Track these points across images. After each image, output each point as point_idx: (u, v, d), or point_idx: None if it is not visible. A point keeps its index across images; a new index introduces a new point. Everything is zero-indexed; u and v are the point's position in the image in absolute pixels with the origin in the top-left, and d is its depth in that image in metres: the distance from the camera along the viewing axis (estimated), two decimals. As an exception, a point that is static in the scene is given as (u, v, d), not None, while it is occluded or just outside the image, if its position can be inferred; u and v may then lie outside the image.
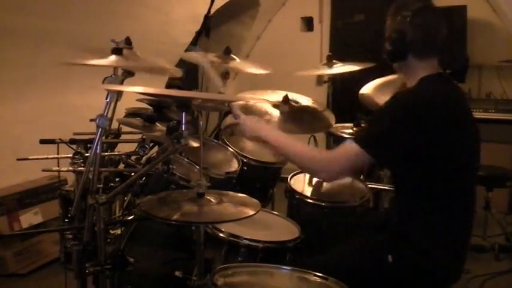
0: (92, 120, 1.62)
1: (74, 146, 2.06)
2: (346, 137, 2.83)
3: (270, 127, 2.06)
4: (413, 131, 1.72)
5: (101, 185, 1.83)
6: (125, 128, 2.39)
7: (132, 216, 2.12)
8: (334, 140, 3.05)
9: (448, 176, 1.74)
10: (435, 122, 1.74)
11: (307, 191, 2.47)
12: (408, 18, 1.83)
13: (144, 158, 2.16)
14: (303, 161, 1.92)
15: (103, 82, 1.83)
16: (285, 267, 1.75)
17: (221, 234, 1.96)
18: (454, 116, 1.82)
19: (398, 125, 1.74)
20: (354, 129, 2.86)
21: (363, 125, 2.88)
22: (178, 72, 2.16)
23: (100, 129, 1.61)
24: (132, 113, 2.38)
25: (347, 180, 2.63)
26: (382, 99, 2.77)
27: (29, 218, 3.37)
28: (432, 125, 1.73)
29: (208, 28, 3.05)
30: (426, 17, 1.86)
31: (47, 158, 2.08)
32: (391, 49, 1.87)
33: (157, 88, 2.34)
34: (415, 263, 1.79)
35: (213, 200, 1.63)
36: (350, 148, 1.78)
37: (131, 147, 2.18)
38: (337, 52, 3.04)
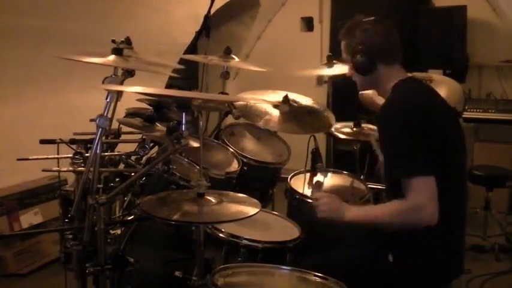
0: (92, 120, 1.62)
1: (74, 146, 2.06)
2: (345, 137, 2.83)
3: (349, 207, 1.90)
4: (418, 133, 1.74)
5: (101, 185, 1.83)
6: (125, 128, 2.39)
7: (132, 217, 2.12)
8: (334, 140, 3.06)
9: (442, 173, 1.74)
10: (429, 121, 1.76)
11: (308, 191, 2.47)
12: (369, 30, 1.89)
13: (144, 158, 2.15)
14: (397, 222, 1.77)
15: (103, 82, 1.83)
16: (285, 268, 1.75)
17: (221, 235, 1.96)
18: (441, 113, 1.86)
19: (409, 133, 1.75)
20: (354, 129, 2.86)
21: (363, 124, 2.88)
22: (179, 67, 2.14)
23: (100, 129, 1.61)
24: (132, 113, 2.38)
25: (347, 180, 2.64)
26: (382, 99, 2.78)
27: (29, 218, 3.37)
28: (427, 125, 1.75)
29: (209, 28, 3.06)
30: (383, 26, 1.92)
31: (47, 158, 2.08)
32: (363, 61, 1.89)
33: (158, 88, 2.35)
34: (415, 263, 1.80)
35: (213, 200, 1.63)
36: (416, 183, 1.70)
37: (131, 147, 2.17)
38: (338, 52, 3.03)
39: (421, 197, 1.70)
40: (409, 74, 1.95)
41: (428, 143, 1.74)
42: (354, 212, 1.87)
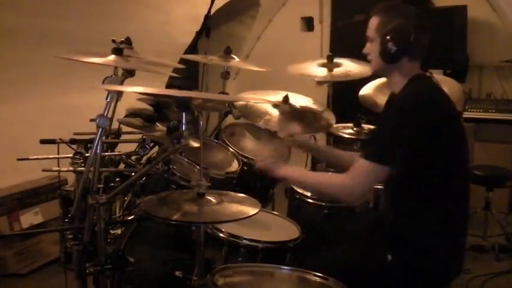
0: (92, 120, 1.62)
1: (74, 146, 2.06)
2: (345, 137, 2.84)
3: (287, 167, 2.11)
4: (415, 132, 1.73)
5: (101, 185, 1.83)
6: (125, 128, 2.39)
7: (132, 216, 2.12)
8: (334, 140, 3.06)
9: (445, 173, 1.75)
10: (434, 120, 1.76)
11: (308, 191, 2.47)
12: (410, 21, 1.84)
13: (144, 158, 2.16)
14: (324, 190, 1.97)
15: (103, 82, 1.83)
16: (285, 268, 1.75)
17: (221, 235, 1.96)
18: (448, 112, 1.86)
19: (400, 130, 1.74)
20: (354, 129, 2.86)
21: (363, 124, 2.88)
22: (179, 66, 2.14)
23: (100, 129, 1.61)
24: (132, 113, 2.38)
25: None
26: (382, 99, 2.78)
27: (29, 218, 3.37)
28: (432, 123, 1.75)
29: (209, 28, 3.06)
30: (425, 21, 1.88)
31: (47, 158, 2.08)
32: (392, 49, 1.85)
33: (158, 88, 2.34)
34: (414, 262, 1.79)
35: (213, 200, 1.63)
36: (365, 166, 1.77)
37: (131, 147, 2.18)
38: (338, 52, 3.04)
39: (361, 184, 1.81)
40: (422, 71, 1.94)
41: (427, 138, 1.74)
42: (289, 169, 2.06)
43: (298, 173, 2.11)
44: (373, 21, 1.91)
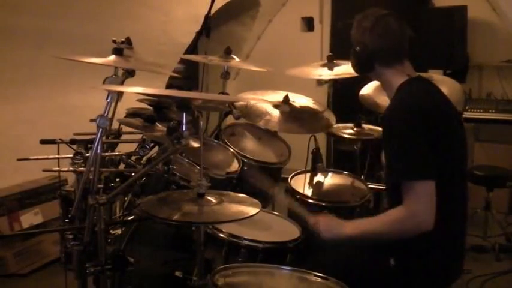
0: (92, 120, 1.62)
1: (75, 146, 2.06)
2: (345, 137, 2.83)
3: (344, 223, 1.89)
4: (423, 135, 1.73)
5: (102, 185, 1.83)
6: (125, 128, 2.40)
7: (132, 217, 2.12)
8: (335, 141, 3.06)
9: (443, 175, 1.74)
10: (433, 123, 1.75)
11: (308, 191, 2.47)
12: (368, 29, 1.86)
13: (144, 158, 2.15)
14: (394, 231, 1.75)
15: (104, 82, 1.83)
16: (286, 268, 1.75)
17: (221, 235, 1.96)
18: (446, 114, 1.85)
19: (413, 136, 1.73)
20: (355, 129, 2.86)
21: (363, 124, 2.87)
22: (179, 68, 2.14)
23: (100, 130, 1.61)
24: (132, 113, 2.38)
25: (347, 180, 2.63)
26: (382, 99, 2.78)
27: (30, 218, 3.37)
28: (431, 127, 1.74)
29: (209, 28, 3.06)
30: (385, 25, 1.87)
31: (47, 158, 2.08)
32: (356, 62, 1.91)
33: (158, 88, 2.34)
34: (416, 265, 1.79)
35: (213, 201, 1.63)
36: (417, 188, 1.70)
37: (131, 147, 2.18)
38: (338, 52, 3.04)
39: (420, 203, 1.69)
40: (416, 73, 1.93)
41: (431, 145, 1.72)
42: (351, 226, 1.86)
43: (361, 224, 1.88)
44: (351, 36, 1.97)
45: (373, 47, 1.86)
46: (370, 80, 2.89)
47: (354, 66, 1.94)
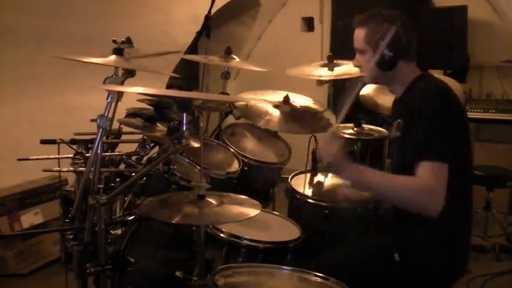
0: (92, 120, 1.63)
1: (75, 146, 2.06)
2: (346, 137, 2.83)
3: (364, 169, 1.85)
4: (454, 122, 1.79)
5: (102, 185, 1.83)
6: (125, 128, 2.40)
7: (132, 217, 2.12)
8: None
9: (453, 172, 1.75)
10: (461, 113, 1.84)
11: (308, 191, 2.47)
12: (397, 24, 1.84)
13: (144, 158, 2.16)
14: (404, 196, 1.74)
15: (104, 82, 1.83)
16: (286, 268, 1.75)
17: (222, 235, 1.96)
18: (461, 108, 1.92)
19: (447, 121, 1.77)
20: (355, 129, 2.86)
21: (363, 125, 2.87)
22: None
23: (101, 130, 1.61)
24: (132, 113, 2.38)
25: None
26: (383, 99, 2.78)
27: (30, 218, 3.37)
28: (460, 117, 1.82)
29: (209, 28, 3.05)
30: (409, 22, 1.89)
31: (47, 158, 2.08)
32: (391, 56, 1.85)
33: (158, 88, 2.35)
34: (421, 261, 1.80)
35: (213, 202, 1.63)
36: (436, 168, 1.70)
37: (132, 147, 2.18)
38: (338, 52, 3.04)
39: (438, 182, 1.69)
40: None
41: (454, 133, 1.78)
42: (357, 169, 1.83)
43: (369, 173, 1.83)
44: (360, 33, 1.92)
45: (403, 43, 1.85)
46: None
47: (381, 62, 1.86)
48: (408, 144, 1.81)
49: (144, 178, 2.19)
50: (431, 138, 1.74)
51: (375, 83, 2.05)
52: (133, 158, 2.17)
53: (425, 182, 1.70)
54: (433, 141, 1.73)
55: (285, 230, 2.15)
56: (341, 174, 1.92)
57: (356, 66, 2.01)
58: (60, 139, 2.10)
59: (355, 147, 2.89)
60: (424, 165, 1.71)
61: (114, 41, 2.06)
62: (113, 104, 1.73)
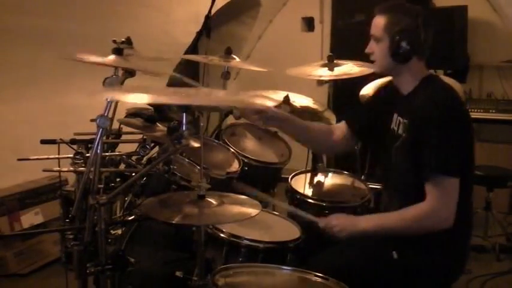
0: (92, 120, 1.63)
1: (75, 146, 2.06)
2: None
3: (358, 217, 1.95)
4: (461, 133, 1.81)
5: (102, 185, 1.83)
6: (125, 128, 2.39)
7: (132, 217, 2.12)
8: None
9: (463, 173, 1.76)
10: (468, 123, 1.86)
11: (308, 191, 2.47)
12: (419, 20, 1.83)
13: (144, 158, 2.16)
14: (413, 228, 1.78)
15: (103, 82, 1.83)
16: (286, 268, 1.75)
17: (222, 235, 1.96)
18: (467, 113, 1.95)
19: (453, 134, 1.78)
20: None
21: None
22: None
23: (101, 130, 1.61)
24: (132, 113, 2.38)
25: (348, 180, 2.63)
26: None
27: (30, 218, 3.37)
28: (467, 127, 1.84)
29: (209, 28, 3.06)
30: (431, 20, 1.88)
31: (47, 158, 2.08)
32: (407, 49, 1.83)
33: (158, 88, 2.34)
34: (419, 260, 1.80)
35: (213, 202, 1.63)
36: (446, 183, 1.73)
37: (132, 147, 2.18)
38: (338, 52, 3.04)
39: (448, 198, 1.72)
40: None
41: (462, 143, 1.78)
42: (368, 220, 1.89)
43: (377, 219, 1.91)
44: (380, 20, 1.89)
45: (421, 38, 1.84)
46: (370, 80, 2.89)
47: (396, 53, 1.85)
48: (413, 148, 1.82)
49: (144, 178, 2.19)
50: (444, 152, 1.75)
51: (382, 72, 2.02)
52: (134, 158, 2.17)
53: (430, 205, 1.73)
54: (447, 157, 1.75)
55: (285, 230, 2.14)
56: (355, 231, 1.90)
57: (368, 53, 1.98)
58: (60, 139, 2.10)
59: (355, 147, 2.89)
60: (431, 182, 1.73)
61: (114, 41, 2.06)
62: (113, 104, 1.73)
